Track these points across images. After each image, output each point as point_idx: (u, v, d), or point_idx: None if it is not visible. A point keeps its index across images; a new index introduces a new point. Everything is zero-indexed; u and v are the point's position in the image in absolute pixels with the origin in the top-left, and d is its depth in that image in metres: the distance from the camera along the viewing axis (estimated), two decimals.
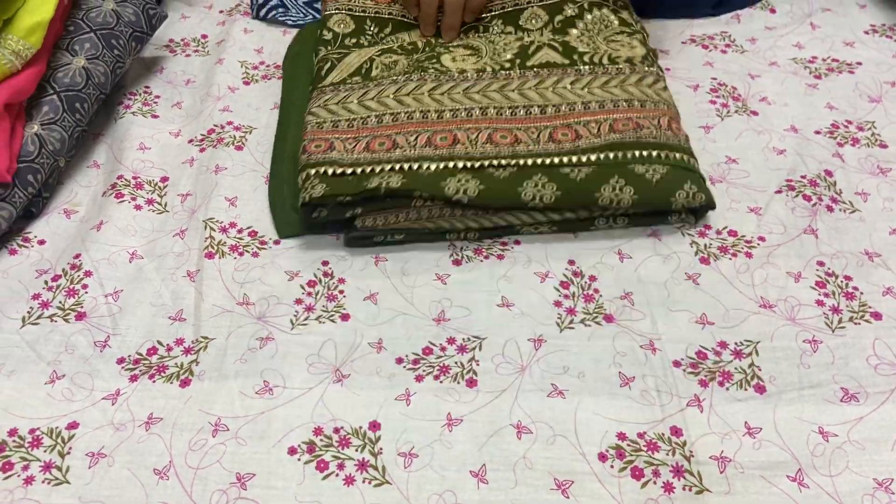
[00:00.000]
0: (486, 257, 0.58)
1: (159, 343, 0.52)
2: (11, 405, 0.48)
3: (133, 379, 0.50)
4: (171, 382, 0.50)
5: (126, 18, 0.68)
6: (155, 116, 0.70)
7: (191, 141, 0.67)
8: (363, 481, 0.45)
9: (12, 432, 0.47)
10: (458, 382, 0.50)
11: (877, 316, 0.53)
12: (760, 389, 0.49)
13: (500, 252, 0.58)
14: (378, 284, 0.56)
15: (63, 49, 0.64)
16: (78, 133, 0.63)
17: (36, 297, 0.55)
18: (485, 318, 0.54)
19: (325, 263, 0.57)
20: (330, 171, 0.57)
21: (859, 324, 0.52)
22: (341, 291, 0.56)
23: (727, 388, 0.49)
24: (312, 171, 0.57)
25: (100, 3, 0.68)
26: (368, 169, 0.57)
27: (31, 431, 0.47)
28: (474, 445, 0.46)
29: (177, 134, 0.68)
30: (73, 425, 0.47)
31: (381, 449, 0.46)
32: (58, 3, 0.61)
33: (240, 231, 0.59)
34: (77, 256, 0.57)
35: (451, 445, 0.47)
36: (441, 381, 0.50)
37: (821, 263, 0.56)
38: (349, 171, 0.57)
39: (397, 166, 0.57)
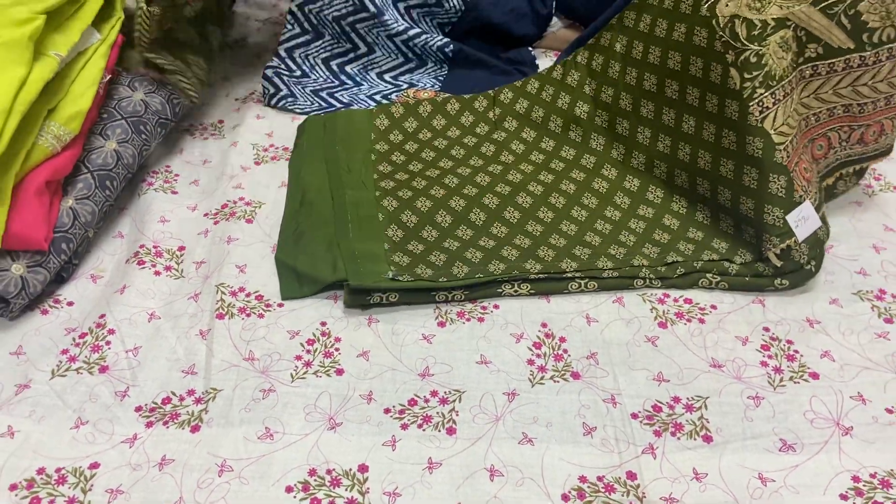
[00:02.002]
0: (468, 319, 0.65)
1: (173, 393, 0.58)
2: (40, 447, 0.54)
3: (149, 425, 0.56)
4: (183, 428, 0.56)
5: (153, 107, 0.77)
6: (174, 192, 0.78)
7: (206, 214, 0.75)
8: None
9: (40, 471, 0.53)
10: (440, 430, 0.56)
11: (815, 376, 0.59)
12: (708, 439, 0.55)
13: (480, 315, 0.65)
14: (370, 343, 0.62)
15: (97, 133, 0.73)
16: (106, 207, 0.71)
17: (64, 352, 0.61)
18: (465, 374, 0.60)
19: (322, 324, 0.64)
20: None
21: (798, 383, 0.58)
22: (337, 349, 0.62)
23: (678, 438, 0.55)
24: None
25: (130, 93, 0.77)
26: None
27: (58, 470, 0.53)
28: (452, 486, 0.52)
29: (194, 208, 0.76)
30: (94, 465, 0.53)
31: (368, 489, 0.52)
32: (95, 95, 0.70)
33: (248, 295, 0.66)
34: (102, 316, 0.64)
35: (431, 486, 0.52)
36: (424, 430, 0.56)
37: (766, 329, 0.63)
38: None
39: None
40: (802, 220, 0.62)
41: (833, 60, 0.66)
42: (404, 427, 0.56)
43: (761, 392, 0.58)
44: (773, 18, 0.63)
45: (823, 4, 0.63)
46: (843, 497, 0.50)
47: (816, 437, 0.54)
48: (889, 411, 0.56)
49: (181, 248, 0.71)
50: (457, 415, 0.57)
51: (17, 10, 0.65)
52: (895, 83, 0.67)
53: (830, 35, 0.64)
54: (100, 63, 0.71)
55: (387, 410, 0.57)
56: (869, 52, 0.65)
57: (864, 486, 0.51)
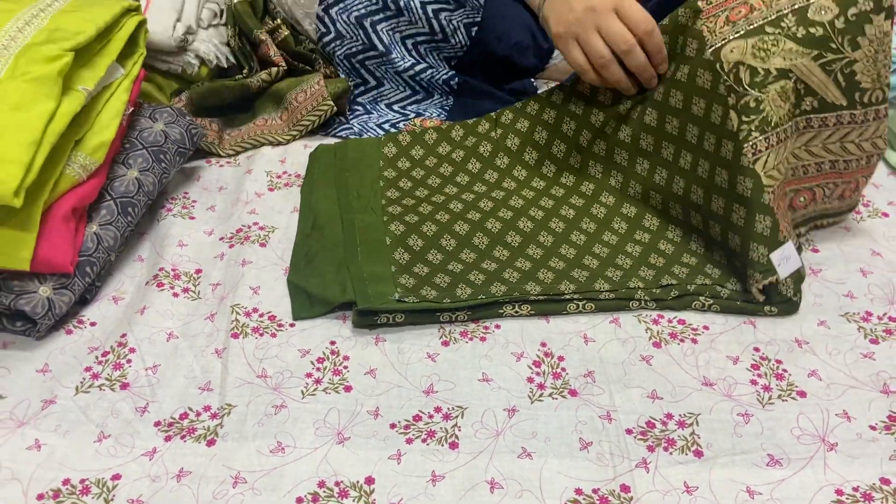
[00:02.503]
0: (471, 339, 0.68)
1: (190, 409, 0.61)
2: (65, 460, 0.57)
3: (167, 439, 0.59)
4: (199, 442, 0.59)
5: (172, 137, 0.81)
6: (192, 218, 0.82)
7: (222, 238, 0.79)
8: None
9: (66, 482, 0.56)
10: (443, 445, 0.59)
11: (802, 394, 0.61)
12: (699, 454, 0.57)
13: (482, 335, 0.68)
14: (377, 361, 0.65)
15: (120, 162, 0.77)
16: (128, 232, 0.75)
17: (87, 369, 0.64)
18: (467, 391, 0.63)
19: (332, 343, 0.67)
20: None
21: (787, 401, 0.61)
22: (346, 367, 0.65)
23: (671, 453, 0.57)
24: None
25: (151, 124, 0.81)
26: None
27: (82, 481, 0.56)
28: (454, 498, 0.55)
29: (210, 233, 0.80)
30: (116, 477, 0.56)
31: (374, 500, 0.55)
32: (118, 126, 0.74)
33: (261, 315, 0.70)
34: (123, 336, 0.67)
35: (434, 497, 0.55)
36: (428, 444, 0.59)
37: (756, 349, 0.66)
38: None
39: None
40: (785, 260, 0.66)
41: (826, 115, 0.69)
42: (409, 441, 0.59)
43: (750, 409, 0.60)
44: (775, 68, 0.67)
45: (823, 61, 0.67)
46: None
47: (802, 453, 0.57)
48: (873, 428, 0.58)
49: (198, 271, 0.75)
50: (459, 430, 0.60)
51: (47, 47, 0.69)
52: (878, 144, 0.71)
53: (826, 90, 0.68)
54: (123, 97, 0.76)
55: (392, 426, 0.60)
56: (859, 111, 0.69)
57: (846, 498, 0.53)
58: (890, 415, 0.59)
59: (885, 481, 0.54)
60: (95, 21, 0.74)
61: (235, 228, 0.80)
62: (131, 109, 0.78)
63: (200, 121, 0.93)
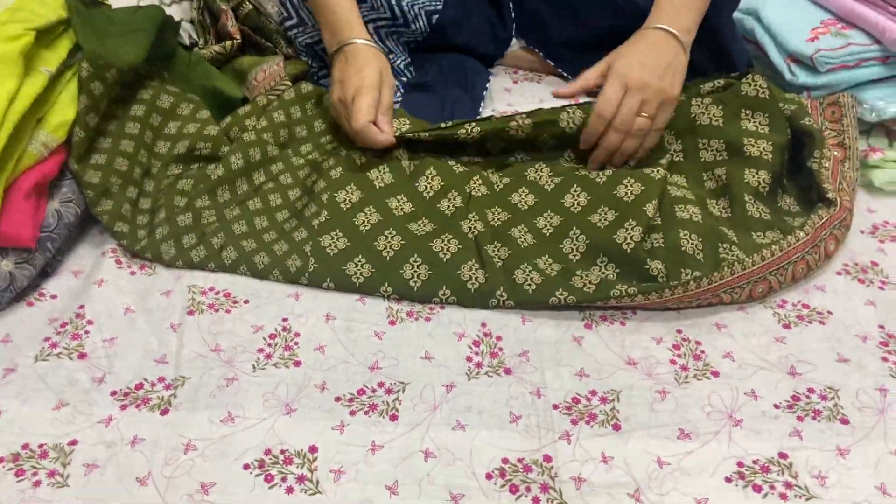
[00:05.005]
0: (416, 319, 0.72)
1: (145, 380, 0.65)
2: (25, 425, 0.61)
3: (123, 408, 0.63)
4: (154, 411, 0.62)
5: None
6: None
7: None
8: (301, 491, 0.58)
9: (25, 446, 0.59)
10: (384, 417, 0.63)
11: (715, 374, 0.67)
12: (617, 428, 0.62)
13: (427, 315, 0.72)
14: (327, 338, 0.69)
15: None
16: (87, 209, 0.78)
17: (47, 339, 0.68)
18: (410, 368, 0.67)
19: (284, 320, 0.71)
20: None
21: (701, 379, 0.66)
22: (296, 343, 0.69)
23: (592, 426, 0.62)
24: None
25: None
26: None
27: (40, 446, 0.59)
28: (390, 465, 0.59)
29: None
30: (73, 442, 0.60)
31: (316, 467, 0.59)
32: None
33: (217, 293, 0.73)
34: (81, 307, 0.70)
35: (373, 465, 0.59)
36: (370, 416, 0.63)
37: (679, 331, 0.71)
38: None
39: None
40: None
41: None
42: (352, 413, 0.63)
43: (668, 387, 0.65)
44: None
45: None
46: (728, 479, 0.58)
47: (710, 427, 0.62)
48: (776, 406, 0.64)
49: None
50: (400, 403, 0.64)
51: (9, 27, 0.71)
52: None
53: None
54: None
55: (337, 399, 0.64)
56: None
57: (746, 470, 0.59)
58: (794, 395, 0.65)
59: (783, 455, 0.60)
60: (59, 2, 0.75)
61: None
62: None
63: None
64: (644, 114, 0.78)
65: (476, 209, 0.79)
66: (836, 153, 0.83)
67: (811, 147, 0.81)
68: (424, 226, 0.77)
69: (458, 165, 0.82)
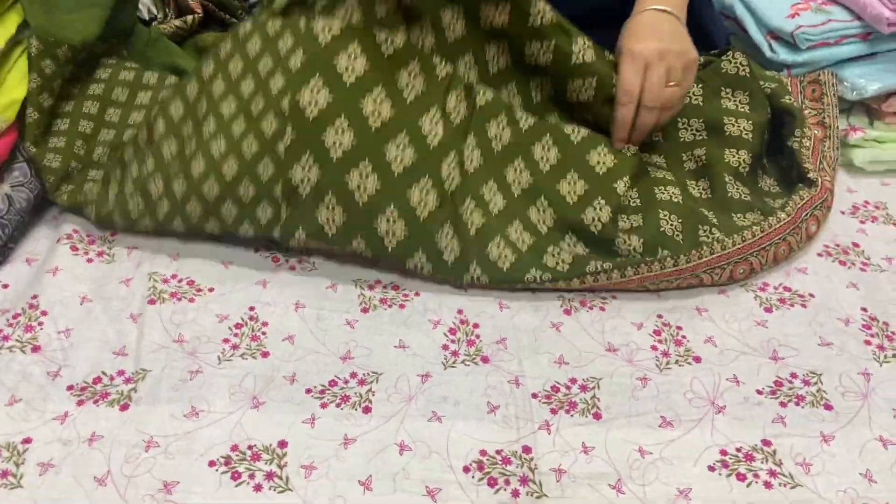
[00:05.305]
0: (390, 306, 0.69)
1: (103, 373, 0.62)
2: None
3: (80, 403, 0.59)
4: (113, 407, 0.59)
5: None
6: None
7: None
8: (270, 489, 0.55)
9: None
10: (356, 409, 0.60)
11: (697, 359, 0.65)
12: (598, 416, 0.60)
13: (402, 302, 0.70)
14: (296, 327, 0.67)
15: None
16: (41, 194, 0.73)
17: None
18: (383, 357, 0.65)
19: (251, 309, 0.68)
20: None
21: (682, 365, 0.65)
22: (264, 333, 0.66)
23: (572, 415, 0.60)
24: None
25: None
26: None
27: None
28: (363, 460, 0.57)
29: None
30: (27, 440, 0.56)
31: (286, 463, 0.56)
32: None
33: (179, 281, 0.70)
34: (35, 297, 0.67)
35: (345, 460, 0.57)
36: (342, 408, 0.60)
37: (660, 316, 0.69)
38: None
39: None
40: None
41: None
42: (324, 406, 0.60)
43: (649, 374, 0.64)
44: None
45: None
46: (711, 468, 0.57)
47: (693, 415, 0.61)
48: (759, 392, 0.62)
49: (113, 234, 0.74)
50: (373, 395, 0.61)
51: None
52: None
53: None
54: None
55: (308, 391, 0.61)
56: None
57: (730, 458, 0.58)
58: (776, 380, 0.64)
59: (767, 443, 0.59)
60: None
61: None
62: None
63: None
64: (671, 83, 0.74)
65: (454, 145, 0.71)
66: (816, 132, 0.82)
67: (791, 126, 0.80)
68: (403, 151, 0.68)
69: (442, 62, 0.72)
